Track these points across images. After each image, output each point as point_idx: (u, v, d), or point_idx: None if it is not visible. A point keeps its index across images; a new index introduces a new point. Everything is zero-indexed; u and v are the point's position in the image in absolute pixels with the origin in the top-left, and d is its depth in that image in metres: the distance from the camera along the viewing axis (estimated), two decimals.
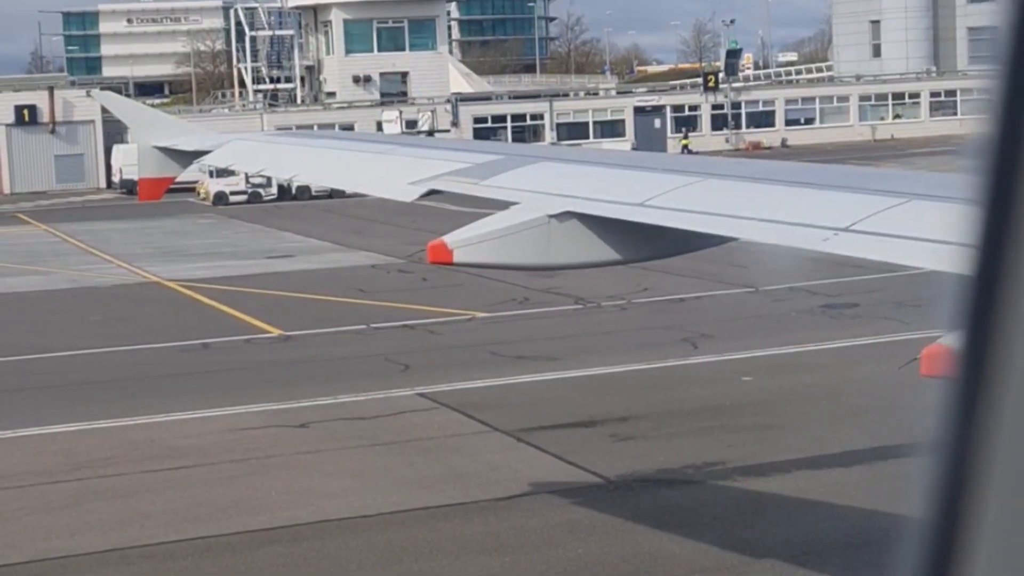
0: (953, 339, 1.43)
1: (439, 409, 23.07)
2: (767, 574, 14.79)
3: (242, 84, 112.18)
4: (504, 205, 10.42)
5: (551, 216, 9.83)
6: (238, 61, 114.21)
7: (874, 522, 16.16)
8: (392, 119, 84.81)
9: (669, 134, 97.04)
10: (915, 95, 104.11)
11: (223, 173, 72.52)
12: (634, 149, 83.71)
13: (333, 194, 72.07)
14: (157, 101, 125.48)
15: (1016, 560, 1.40)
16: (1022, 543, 1.39)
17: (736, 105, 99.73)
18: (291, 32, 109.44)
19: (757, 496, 17.54)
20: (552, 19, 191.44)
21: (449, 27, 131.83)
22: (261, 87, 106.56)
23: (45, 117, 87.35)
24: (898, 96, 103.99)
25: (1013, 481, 1.40)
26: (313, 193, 71.79)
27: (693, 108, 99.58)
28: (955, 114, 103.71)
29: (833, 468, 18.41)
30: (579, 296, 33.61)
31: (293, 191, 72.03)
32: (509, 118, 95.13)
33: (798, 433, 20.36)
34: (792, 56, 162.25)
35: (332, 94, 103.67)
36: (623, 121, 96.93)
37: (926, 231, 7.38)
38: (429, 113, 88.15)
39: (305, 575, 15.41)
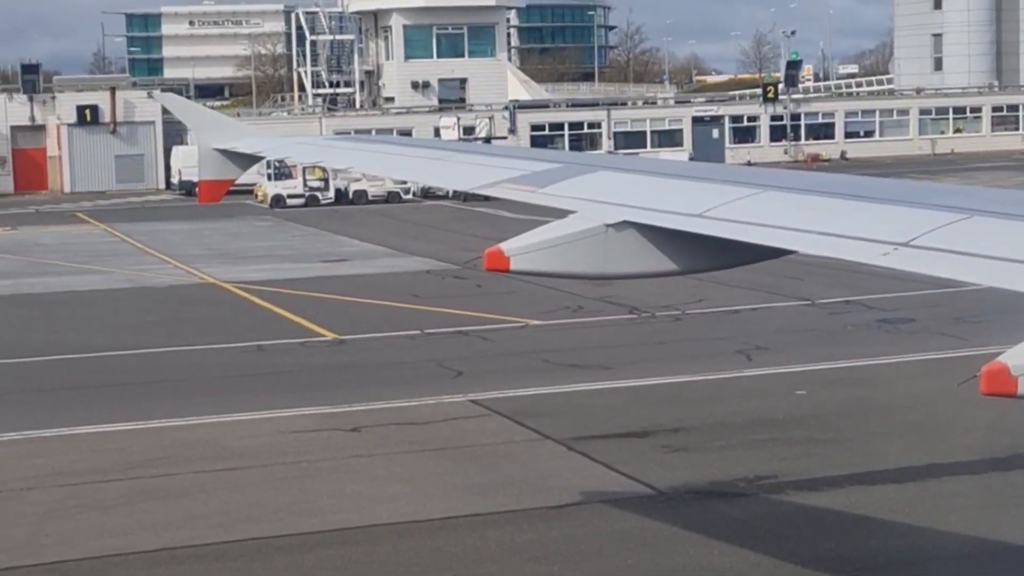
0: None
1: (491, 416, 23.06)
2: None
3: (301, 88, 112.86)
4: (561, 213, 10.38)
5: (608, 225, 9.77)
6: (298, 65, 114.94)
7: (927, 539, 16.01)
8: (450, 125, 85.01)
9: (727, 145, 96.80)
10: (976, 109, 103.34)
11: (281, 176, 73.04)
12: (691, 159, 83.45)
13: (390, 198, 72.52)
14: (217, 103, 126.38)
15: None
16: None
17: (795, 116, 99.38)
18: (351, 37, 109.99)
19: (809, 510, 17.42)
20: (612, 28, 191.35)
21: (508, 34, 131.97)
22: (320, 91, 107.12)
23: (106, 117, 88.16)
24: (959, 110, 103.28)
25: None
26: (370, 197, 72.12)
27: (752, 119, 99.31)
28: (1017, 129, 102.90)
29: (887, 484, 18.25)
30: (633, 306, 33.54)
31: (350, 195, 72.32)
32: (566, 126, 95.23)
33: (851, 448, 20.21)
34: (853, 68, 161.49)
35: (391, 99, 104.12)
36: (681, 131, 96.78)
37: (987, 247, 7.30)
38: (487, 120, 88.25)
39: None
